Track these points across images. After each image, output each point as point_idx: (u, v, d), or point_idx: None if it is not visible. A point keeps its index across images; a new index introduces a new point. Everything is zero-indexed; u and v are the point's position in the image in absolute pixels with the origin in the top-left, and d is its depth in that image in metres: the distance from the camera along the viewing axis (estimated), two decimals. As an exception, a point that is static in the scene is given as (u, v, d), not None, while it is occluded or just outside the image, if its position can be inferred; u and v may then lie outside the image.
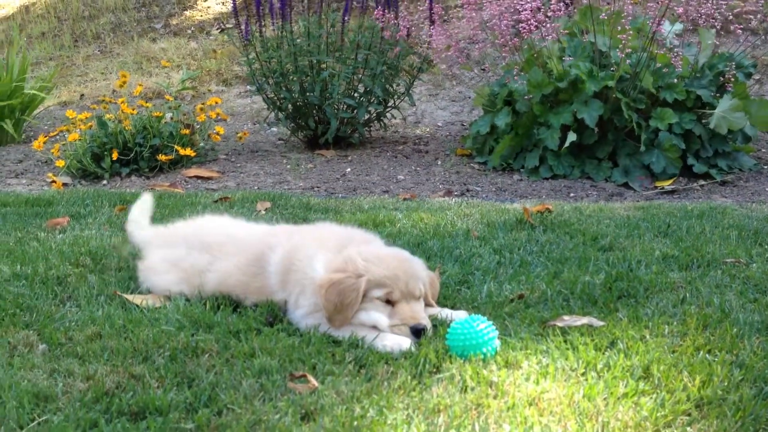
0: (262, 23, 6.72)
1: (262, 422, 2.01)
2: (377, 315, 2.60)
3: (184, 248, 3.07)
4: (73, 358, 2.42)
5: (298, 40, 6.67)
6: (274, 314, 2.78)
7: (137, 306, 2.89)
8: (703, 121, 5.77)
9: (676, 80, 5.74)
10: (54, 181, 6.01)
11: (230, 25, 7.91)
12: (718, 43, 6.03)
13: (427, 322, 2.60)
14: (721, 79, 5.88)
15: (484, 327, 2.40)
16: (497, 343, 2.43)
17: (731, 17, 5.98)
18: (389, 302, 2.62)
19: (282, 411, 2.07)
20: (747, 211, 4.52)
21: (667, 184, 5.63)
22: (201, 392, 2.17)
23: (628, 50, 5.67)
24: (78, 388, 2.20)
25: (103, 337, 2.59)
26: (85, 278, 3.23)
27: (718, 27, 5.92)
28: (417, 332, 2.54)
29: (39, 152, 6.82)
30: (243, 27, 6.72)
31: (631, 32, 5.73)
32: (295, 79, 6.67)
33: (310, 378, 2.27)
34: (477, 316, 2.46)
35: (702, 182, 5.72)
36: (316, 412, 2.07)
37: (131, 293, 3.05)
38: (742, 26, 5.97)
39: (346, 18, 6.58)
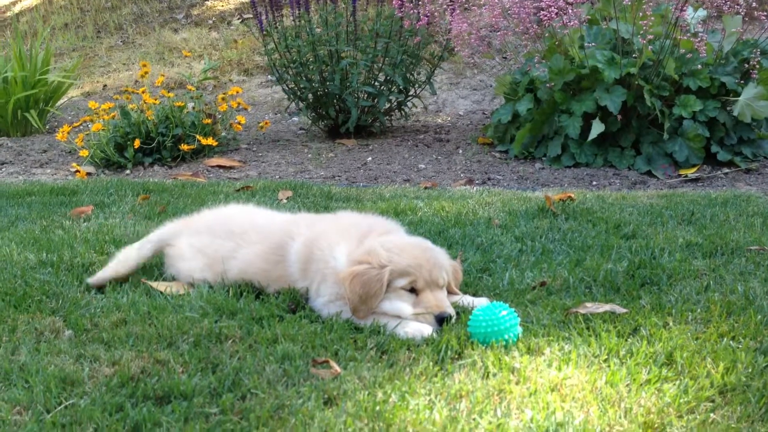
0: (281, 13, 6.73)
1: (285, 407, 2.03)
2: (401, 304, 2.61)
3: (208, 235, 3.09)
4: (98, 344, 2.45)
5: (318, 30, 6.68)
6: (297, 301, 2.79)
7: (161, 293, 2.92)
8: (728, 108, 5.71)
9: (699, 67, 5.68)
10: (78, 171, 6.06)
11: (250, 15, 7.92)
12: (742, 30, 5.95)
13: (451, 311, 2.61)
14: (746, 66, 5.82)
15: (506, 314, 2.40)
16: (519, 329, 2.43)
17: (755, 4, 5.90)
18: (413, 291, 2.63)
19: (305, 396, 2.08)
20: (772, 198, 4.48)
21: (690, 172, 5.59)
22: (225, 377, 2.19)
23: (650, 37, 5.62)
24: (104, 373, 2.23)
25: (128, 324, 2.61)
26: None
27: (742, 13, 5.86)
28: (441, 320, 2.56)
29: (63, 142, 6.88)
30: (261, 17, 6.73)
31: (653, 18, 5.67)
32: (314, 68, 6.68)
33: (333, 364, 2.28)
34: (499, 303, 2.47)
35: (726, 170, 5.67)
36: (339, 397, 2.08)
37: (155, 280, 3.07)
38: (766, 13, 5.90)
39: (355, 3, 6.54)
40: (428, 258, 2.67)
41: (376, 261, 2.63)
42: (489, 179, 5.67)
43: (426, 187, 5.16)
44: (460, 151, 6.45)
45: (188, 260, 3.06)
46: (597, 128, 5.67)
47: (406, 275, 2.62)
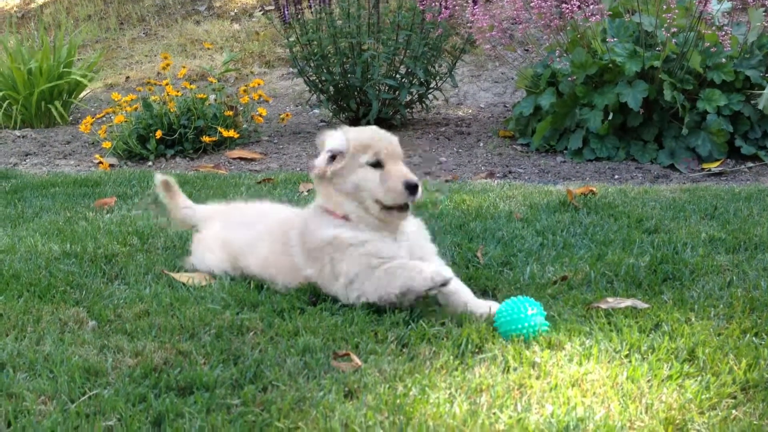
0: (302, 5, 6.73)
1: (306, 399, 2.04)
2: (370, 175, 2.68)
3: (234, 227, 3.11)
4: (122, 335, 2.48)
5: (339, 22, 6.68)
6: (317, 294, 2.80)
7: (184, 284, 2.94)
8: (752, 101, 5.65)
9: (724, 60, 5.63)
10: (101, 162, 6.11)
11: (271, 7, 7.93)
12: (767, 24, 5.88)
13: (417, 179, 2.68)
14: (771, 58, 5.76)
15: (536, 311, 2.41)
16: (540, 321, 2.42)
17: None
18: (377, 166, 2.69)
19: (326, 388, 2.09)
20: (796, 193, 4.43)
21: (714, 166, 5.54)
22: (246, 369, 2.20)
23: (674, 30, 5.58)
24: (127, 363, 2.25)
25: (150, 315, 2.64)
26: (132, 257, 3.30)
27: (767, 5, 5.79)
28: (411, 188, 2.65)
29: (86, 134, 6.93)
30: (283, 10, 6.74)
31: (677, 11, 5.63)
32: (335, 61, 6.68)
33: (353, 357, 2.29)
34: (524, 297, 2.46)
35: (750, 164, 5.62)
36: (359, 390, 2.09)
37: (177, 272, 3.10)
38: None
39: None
40: (383, 135, 2.78)
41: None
42: (510, 172, 5.66)
43: (447, 180, 5.15)
44: (481, 144, 6.44)
45: (213, 250, 3.09)
46: (611, 117, 5.65)
47: (368, 148, 2.69)
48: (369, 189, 2.69)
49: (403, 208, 2.70)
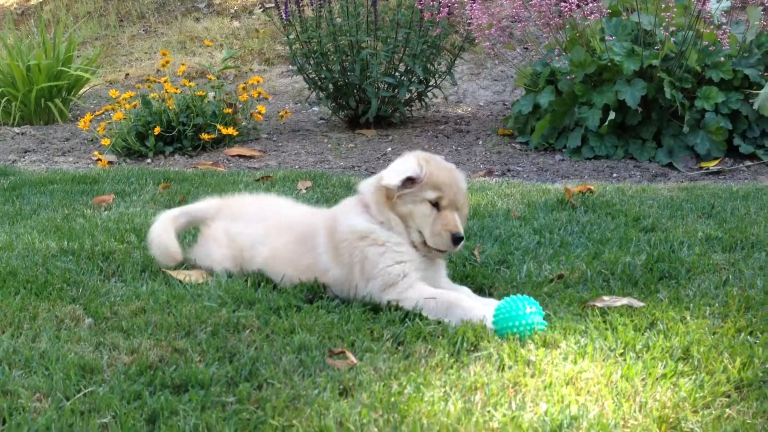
0: (302, 3, 6.73)
1: (301, 397, 2.04)
2: (425, 211, 2.70)
3: (241, 222, 3.10)
4: (118, 332, 2.48)
5: (338, 20, 6.68)
6: (314, 291, 2.81)
7: (180, 282, 2.95)
8: (750, 100, 5.66)
9: (722, 59, 5.63)
10: (99, 159, 6.11)
11: (271, 5, 7.93)
12: (766, 22, 5.88)
13: (463, 234, 2.73)
14: (770, 57, 5.76)
15: (534, 310, 2.42)
16: (537, 320, 2.43)
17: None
18: (436, 206, 2.72)
19: (321, 386, 2.10)
20: (794, 192, 4.44)
21: (712, 165, 5.54)
22: (242, 367, 2.21)
23: (672, 28, 5.57)
24: (123, 361, 2.26)
25: (147, 312, 2.64)
26: (129, 254, 3.30)
27: (767, 4, 5.79)
28: (456, 240, 2.69)
29: (85, 131, 6.93)
30: (282, 8, 6.74)
31: (675, 9, 5.62)
32: (335, 59, 6.68)
33: (349, 354, 2.29)
34: (522, 296, 2.47)
35: (749, 163, 5.62)
36: (354, 388, 2.10)
37: (175, 270, 3.10)
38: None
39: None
40: (458, 180, 2.78)
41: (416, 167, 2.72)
42: (509, 170, 5.66)
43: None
44: (480, 142, 6.44)
45: (222, 246, 3.08)
46: (611, 116, 5.64)
47: (438, 189, 2.71)
48: (420, 224, 2.73)
49: (442, 251, 2.75)
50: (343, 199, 3.02)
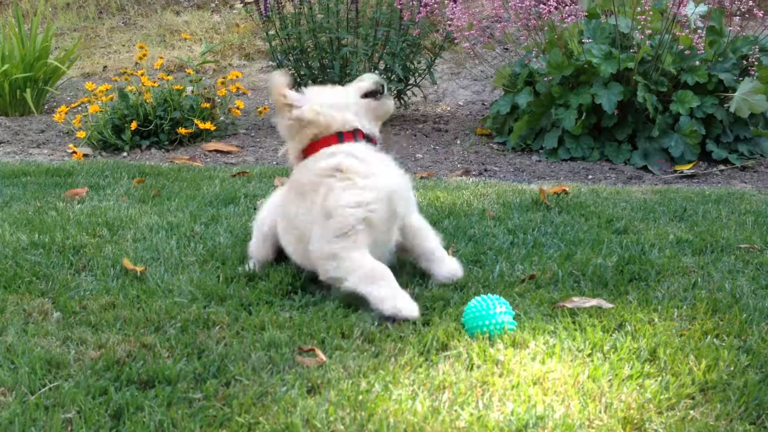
0: (282, -1, 6.71)
1: (269, 394, 2.04)
2: None
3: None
4: (86, 327, 2.46)
5: (318, 16, 6.66)
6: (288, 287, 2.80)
7: (151, 277, 2.93)
8: (725, 105, 5.71)
9: (698, 63, 5.67)
10: (75, 152, 6.06)
11: (250, 0, 7.90)
12: (740, 27, 5.94)
13: None
14: (744, 62, 5.81)
15: (504, 310, 2.42)
16: (506, 320, 2.44)
17: (752, 3, 5.83)
18: None
19: (289, 384, 2.09)
20: (765, 196, 4.48)
21: (686, 168, 5.59)
22: (210, 363, 2.20)
23: (648, 32, 5.61)
24: (90, 356, 2.24)
25: (116, 307, 2.62)
26: (101, 249, 3.28)
27: (743, 9, 5.84)
28: None
29: (60, 123, 6.87)
30: (262, 3, 6.71)
31: (652, 13, 5.66)
32: (314, 55, 6.67)
33: (318, 352, 2.29)
34: (493, 295, 2.47)
35: (722, 167, 5.67)
36: (323, 385, 2.09)
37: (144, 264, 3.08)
38: (762, 11, 5.88)
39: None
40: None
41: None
42: (486, 170, 5.67)
43: (422, 177, 5.16)
44: (458, 142, 6.45)
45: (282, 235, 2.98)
46: (584, 117, 5.68)
47: None
48: None
49: None
50: None
